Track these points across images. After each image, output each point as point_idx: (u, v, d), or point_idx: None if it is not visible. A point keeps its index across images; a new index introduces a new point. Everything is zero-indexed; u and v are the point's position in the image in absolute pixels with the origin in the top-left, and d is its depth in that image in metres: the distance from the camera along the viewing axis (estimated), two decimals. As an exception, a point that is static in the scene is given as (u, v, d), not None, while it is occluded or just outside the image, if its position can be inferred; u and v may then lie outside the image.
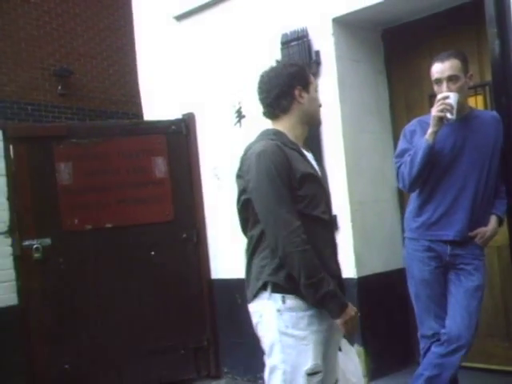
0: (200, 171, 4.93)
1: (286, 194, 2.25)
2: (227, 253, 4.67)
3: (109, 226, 4.67)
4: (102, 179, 4.70)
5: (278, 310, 2.30)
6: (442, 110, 2.93)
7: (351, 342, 2.60)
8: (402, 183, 3.16)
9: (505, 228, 3.26)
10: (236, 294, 4.59)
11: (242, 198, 2.38)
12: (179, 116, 4.98)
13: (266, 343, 2.36)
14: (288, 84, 2.40)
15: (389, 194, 4.22)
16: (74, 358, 4.46)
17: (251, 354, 4.46)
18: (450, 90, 2.99)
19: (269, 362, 2.35)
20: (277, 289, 2.30)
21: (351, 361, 2.54)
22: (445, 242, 3.06)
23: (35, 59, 8.33)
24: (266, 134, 2.42)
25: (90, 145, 4.70)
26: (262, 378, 4.36)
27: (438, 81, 3.04)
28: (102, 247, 4.64)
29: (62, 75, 8.54)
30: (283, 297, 2.29)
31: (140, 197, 4.77)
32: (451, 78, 3.01)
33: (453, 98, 2.95)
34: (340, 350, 2.48)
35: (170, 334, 4.69)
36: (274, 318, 2.30)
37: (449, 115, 2.94)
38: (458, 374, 3.11)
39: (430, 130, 2.99)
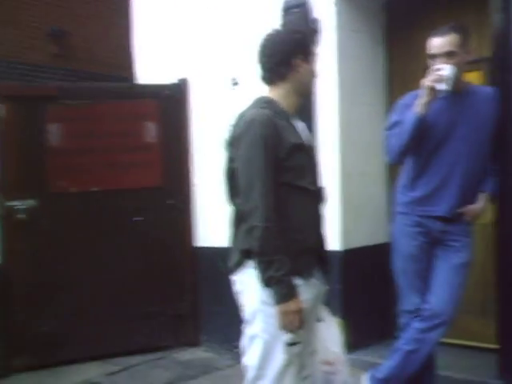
0: (191, 138, 4.86)
1: (267, 167, 2.22)
2: (213, 221, 4.63)
3: (96, 189, 4.61)
4: (91, 142, 4.63)
5: None
6: (434, 80, 2.86)
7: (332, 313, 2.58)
8: (390, 154, 3.12)
9: (488, 206, 3.21)
10: (219, 263, 4.55)
11: (231, 165, 2.36)
12: (173, 81, 4.88)
13: (247, 312, 2.34)
14: (290, 52, 2.35)
15: (378, 168, 4.17)
16: (53, 321, 4.43)
17: (231, 323, 4.45)
18: (443, 65, 2.90)
19: (249, 330, 2.33)
20: None
21: (332, 331, 2.53)
22: (435, 217, 3.02)
23: (31, 18, 8.18)
24: (258, 102, 2.38)
25: (80, 106, 4.62)
26: (239, 347, 4.40)
27: (434, 56, 2.95)
28: (88, 210, 4.59)
29: (57, 36, 8.40)
30: None
31: (129, 161, 4.70)
32: (448, 54, 2.92)
33: (449, 70, 2.87)
34: (321, 320, 2.46)
35: (151, 300, 4.66)
36: (257, 287, 2.26)
37: (442, 86, 2.86)
38: (434, 350, 3.10)
39: (420, 101, 2.91)
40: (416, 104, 2.92)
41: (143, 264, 4.66)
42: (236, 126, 2.35)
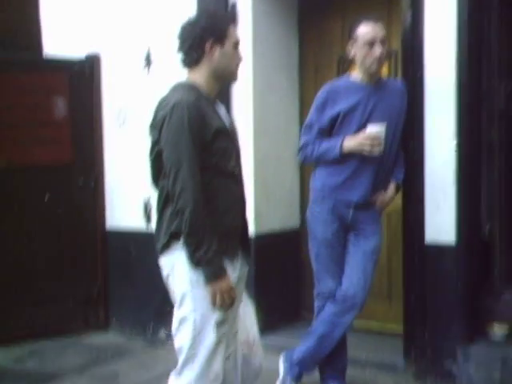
0: (102, 115, 4.74)
1: (192, 150, 2.26)
2: (125, 203, 4.58)
3: (2, 165, 4.40)
4: (-5, 115, 4.41)
5: None
6: (372, 147, 3.00)
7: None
8: (303, 159, 3.28)
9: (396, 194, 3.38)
10: (131, 246, 4.53)
11: (155, 148, 2.37)
12: (83, 55, 4.73)
13: (177, 294, 2.36)
14: (200, 36, 2.38)
15: (290, 153, 4.20)
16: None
17: (142, 307, 4.47)
18: (381, 52, 3.02)
19: (179, 313, 2.36)
20: None
21: (249, 312, 2.61)
22: (348, 204, 3.15)
23: None
24: (180, 87, 2.41)
25: (-17, 78, 4.38)
26: (151, 331, 4.41)
27: (372, 42, 3.03)
28: (-7, 187, 4.40)
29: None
30: None
31: (37, 137, 4.55)
32: (383, 41, 3.04)
33: (383, 131, 3.01)
34: (241, 301, 2.51)
35: (59, 283, 4.55)
36: (186, 269, 2.30)
37: (377, 150, 3.02)
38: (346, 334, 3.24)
39: (347, 146, 3.05)
40: (345, 144, 3.05)
41: (53, 246, 4.54)
42: (159, 109, 2.36)
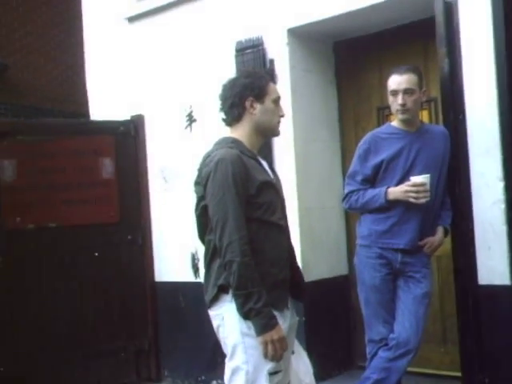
0: (147, 173, 4.91)
1: (238, 204, 2.32)
2: (172, 256, 4.69)
3: (52, 225, 4.58)
4: (47, 178, 4.61)
5: None
6: (417, 198, 3.07)
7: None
8: (348, 208, 3.37)
9: (446, 239, 3.42)
10: (180, 297, 4.61)
11: (201, 204, 2.45)
12: (128, 117, 4.94)
13: (228, 345, 2.39)
14: (240, 95, 2.48)
15: (335, 201, 4.31)
16: (11, 361, 4.32)
17: (192, 358, 4.50)
18: (405, 102, 3.13)
19: (231, 363, 2.38)
20: None
21: (303, 362, 2.60)
22: (396, 250, 3.18)
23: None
24: (224, 142, 2.49)
25: (35, 142, 4.60)
26: (202, 382, 4.44)
27: (395, 92, 3.17)
28: (45, 247, 4.54)
29: (-2, 69, 8.26)
30: None
31: (86, 197, 4.71)
32: (407, 91, 3.15)
33: (429, 182, 3.09)
34: (293, 352, 2.53)
35: (111, 337, 4.64)
36: (236, 321, 2.33)
37: (422, 200, 3.08)
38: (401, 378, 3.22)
39: (393, 194, 3.13)
40: (390, 192, 3.14)
41: (103, 300, 4.64)
42: (203, 165, 2.45)
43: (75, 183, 4.68)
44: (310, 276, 4.07)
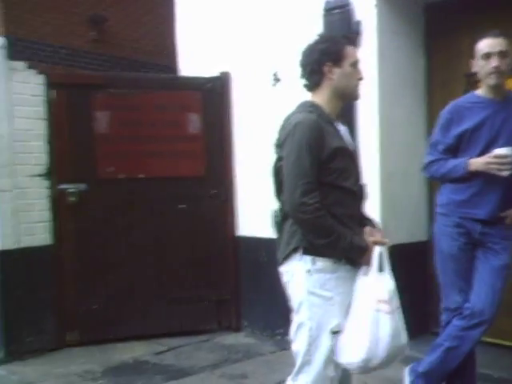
0: (233, 130, 5.04)
1: (311, 166, 2.39)
2: (253, 212, 4.82)
3: (142, 176, 4.83)
4: (136, 130, 4.84)
5: (308, 271, 2.44)
6: (500, 170, 3.01)
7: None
8: (430, 176, 3.38)
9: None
10: (260, 252, 4.76)
11: (278, 164, 2.54)
12: (216, 74, 5.05)
13: (294, 301, 2.51)
14: (318, 60, 2.51)
15: (417, 168, 4.23)
16: (102, 300, 4.70)
17: (270, 311, 4.67)
18: (499, 65, 3.04)
19: (296, 318, 2.50)
20: (307, 251, 2.45)
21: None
22: (475, 220, 3.15)
23: (70, 3, 8.32)
24: (304, 106, 2.55)
25: (126, 96, 4.82)
26: (280, 334, 4.61)
27: (488, 55, 3.06)
28: (135, 196, 4.81)
29: (96, 21, 8.54)
30: (313, 259, 2.44)
31: (173, 150, 4.91)
32: (502, 54, 3.05)
33: (510, 154, 3.00)
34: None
35: (194, 286, 4.91)
36: (303, 278, 2.44)
37: (505, 173, 3.01)
38: (475, 348, 3.23)
39: (474, 165, 3.07)
40: (472, 162, 3.08)
41: (187, 250, 4.90)
42: (283, 128, 2.53)
43: (163, 137, 4.88)
44: (389, 240, 4.12)
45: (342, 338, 2.44)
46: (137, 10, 8.96)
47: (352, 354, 2.40)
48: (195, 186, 4.93)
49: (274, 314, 4.60)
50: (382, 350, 2.41)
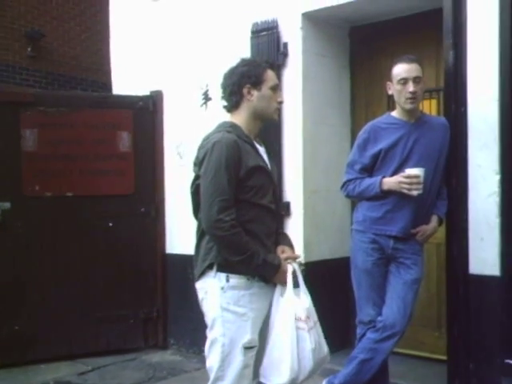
0: (163, 148, 5.06)
1: (228, 184, 2.46)
2: (183, 229, 4.80)
3: (69, 194, 4.78)
4: (66, 148, 4.79)
5: (222, 288, 2.52)
6: (410, 189, 3.13)
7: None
8: (346, 195, 3.47)
9: (443, 227, 3.50)
10: (188, 270, 4.74)
11: (196, 182, 2.61)
12: (147, 92, 5.08)
13: (209, 318, 2.58)
14: (238, 83, 2.61)
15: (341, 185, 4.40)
16: (26, 320, 4.59)
17: (197, 328, 4.65)
18: (416, 90, 3.17)
19: (210, 335, 2.57)
20: (221, 268, 2.52)
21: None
22: (388, 236, 3.27)
23: (6, 19, 8.24)
24: (223, 126, 2.63)
25: (56, 114, 4.78)
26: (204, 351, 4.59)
27: (405, 80, 3.19)
28: (61, 215, 4.75)
29: (33, 37, 8.46)
30: (227, 276, 2.52)
31: (102, 168, 4.89)
32: (417, 80, 3.19)
33: (423, 175, 3.14)
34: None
35: (121, 304, 4.86)
36: (217, 295, 2.52)
37: (415, 193, 3.14)
38: (388, 359, 3.35)
39: (387, 184, 3.20)
40: (385, 182, 3.21)
41: (115, 268, 4.85)
42: (201, 147, 2.60)
43: (93, 155, 4.85)
44: (311, 256, 4.21)
45: (265, 360, 2.52)
46: (74, 27, 8.93)
47: (279, 375, 2.48)
48: (125, 204, 4.91)
49: (200, 331, 4.52)
50: (307, 365, 2.52)
